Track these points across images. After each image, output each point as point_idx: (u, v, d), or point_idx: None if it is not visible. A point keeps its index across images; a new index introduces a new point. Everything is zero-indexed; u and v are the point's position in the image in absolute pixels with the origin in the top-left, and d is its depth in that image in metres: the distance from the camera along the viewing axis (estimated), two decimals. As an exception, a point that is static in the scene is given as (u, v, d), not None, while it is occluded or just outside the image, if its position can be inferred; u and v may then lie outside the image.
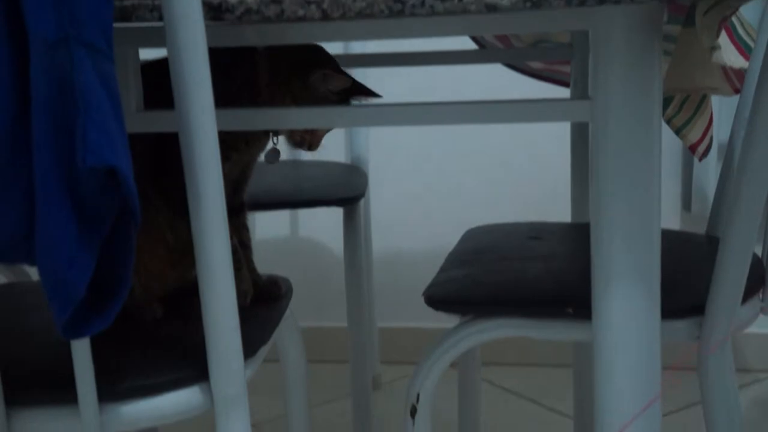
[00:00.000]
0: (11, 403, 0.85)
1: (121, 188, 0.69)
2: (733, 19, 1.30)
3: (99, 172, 0.67)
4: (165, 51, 0.78)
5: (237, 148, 1.07)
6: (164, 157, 0.98)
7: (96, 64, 0.66)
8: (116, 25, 0.72)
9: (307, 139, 1.12)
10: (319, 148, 1.15)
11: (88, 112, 0.66)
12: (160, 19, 0.77)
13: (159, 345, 0.97)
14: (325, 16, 0.80)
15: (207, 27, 0.77)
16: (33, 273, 1.02)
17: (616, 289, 0.90)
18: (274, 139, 1.12)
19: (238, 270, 1.07)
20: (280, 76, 1.06)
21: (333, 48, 1.46)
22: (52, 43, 0.65)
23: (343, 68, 1.11)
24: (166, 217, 1.03)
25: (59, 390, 0.85)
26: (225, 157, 1.02)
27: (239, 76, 1.05)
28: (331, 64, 1.10)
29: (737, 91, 1.36)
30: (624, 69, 0.86)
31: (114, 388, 0.87)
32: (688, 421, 1.94)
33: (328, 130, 1.14)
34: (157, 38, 0.79)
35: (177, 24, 0.76)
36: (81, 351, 0.81)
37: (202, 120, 0.79)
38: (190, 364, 0.90)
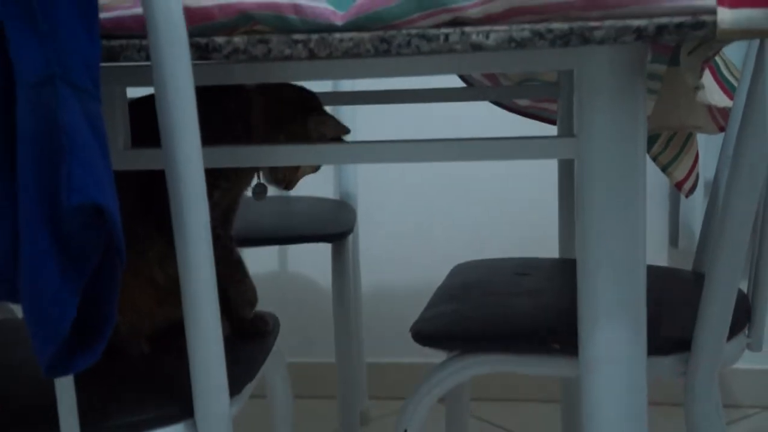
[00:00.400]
0: (-6, 440, 0.85)
1: (106, 226, 0.69)
2: (717, 59, 1.32)
3: (84, 210, 0.67)
4: (153, 90, 0.79)
5: (227, 176, 1.08)
6: (156, 192, 0.99)
7: (82, 104, 0.67)
8: (104, 64, 0.73)
9: (287, 178, 1.14)
10: (295, 187, 1.17)
11: (74, 151, 0.66)
12: (148, 58, 0.78)
13: (144, 382, 0.96)
14: (312, 56, 0.81)
15: (194, 66, 0.78)
16: (18, 310, 1.02)
17: (602, 325, 0.91)
18: (258, 174, 1.14)
19: (242, 281, 1.09)
20: (276, 117, 1.08)
21: (322, 85, 1.47)
22: (38, 82, 0.66)
23: (332, 106, 1.13)
24: (156, 254, 1.03)
25: (43, 427, 0.85)
26: (215, 185, 1.04)
27: (232, 115, 1.07)
28: (324, 111, 1.12)
29: (722, 129, 1.37)
30: (608, 107, 0.87)
31: (98, 425, 0.86)
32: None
33: (307, 172, 1.16)
34: (145, 77, 0.80)
35: (164, 64, 0.76)
36: (65, 388, 0.81)
37: (188, 158, 0.79)
38: (175, 402, 0.89)
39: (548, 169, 1.64)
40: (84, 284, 0.71)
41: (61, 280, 0.68)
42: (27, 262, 0.68)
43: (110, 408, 0.89)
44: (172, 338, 0.98)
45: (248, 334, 1.11)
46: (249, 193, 1.17)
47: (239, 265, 1.10)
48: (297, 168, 1.15)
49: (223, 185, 1.08)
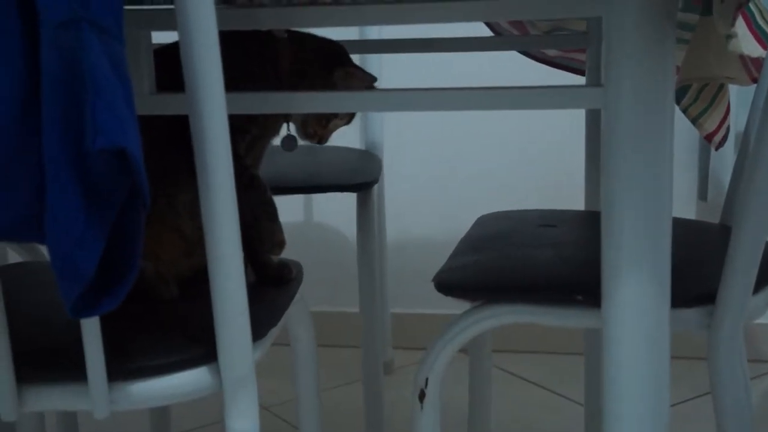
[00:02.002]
0: (22, 379, 0.86)
1: (130, 169, 0.69)
2: (752, 7, 1.29)
3: (109, 153, 0.68)
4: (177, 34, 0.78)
5: (257, 122, 1.08)
6: (187, 139, 1.00)
7: (106, 46, 0.67)
8: (128, 7, 0.73)
9: (318, 133, 1.14)
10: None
11: (98, 94, 0.66)
12: (172, 2, 0.77)
13: (169, 325, 0.97)
14: (337, 1, 0.80)
15: (218, 10, 0.77)
16: (46, 252, 1.04)
17: (625, 277, 0.90)
18: (287, 126, 1.14)
19: (274, 221, 1.10)
20: (304, 69, 1.08)
21: (349, 33, 1.46)
22: (62, 25, 0.66)
23: (358, 54, 1.12)
24: (186, 201, 1.04)
25: (69, 368, 0.86)
26: (246, 130, 1.04)
27: (261, 60, 1.07)
28: (352, 63, 1.12)
29: (755, 80, 1.35)
30: (637, 56, 0.85)
31: (123, 366, 0.88)
32: (697, 412, 1.93)
33: (338, 126, 1.16)
34: (170, 21, 0.79)
35: (188, 7, 0.76)
36: (91, 330, 0.82)
37: (212, 103, 0.79)
38: (199, 345, 0.90)
39: (575, 120, 1.63)
40: (109, 227, 0.71)
41: (86, 222, 0.69)
42: (52, 203, 0.69)
43: (135, 350, 0.90)
44: (198, 283, 0.99)
45: (272, 280, 1.11)
46: (278, 142, 1.18)
47: (272, 205, 1.10)
48: (326, 123, 1.14)
49: (253, 131, 1.08)
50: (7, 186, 0.71)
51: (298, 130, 1.16)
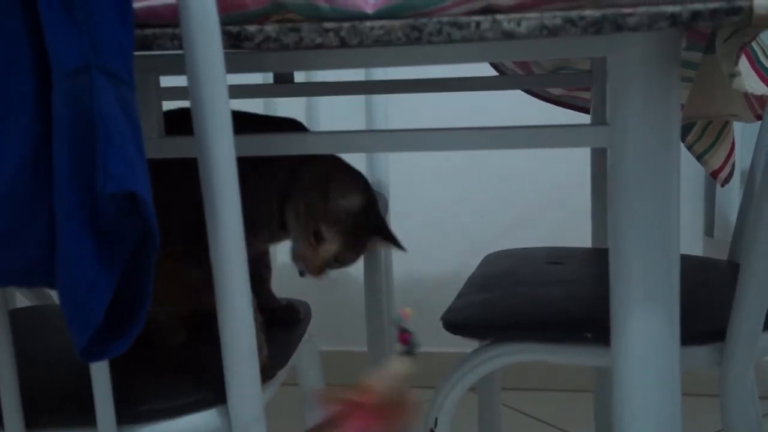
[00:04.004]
0: (31, 425, 0.86)
1: (140, 213, 0.69)
2: (755, 45, 1.30)
3: (119, 197, 0.68)
4: (186, 78, 0.79)
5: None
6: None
7: (117, 92, 0.68)
8: (137, 53, 0.73)
9: (308, 256, 1.07)
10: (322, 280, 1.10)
11: (109, 139, 0.67)
12: (181, 47, 0.78)
13: (178, 368, 0.97)
14: (343, 44, 0.81)
15: (226, 54, 0.78)
16: (55, 296, 1.04)
17: (634, 314, 0.90)
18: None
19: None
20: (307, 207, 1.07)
21: (354, 74, 1.47)
22: (74, 71, 0.67)
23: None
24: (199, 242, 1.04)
25: (79, 412, 0.86)
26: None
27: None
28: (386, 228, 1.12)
29: (759, 117, 1.35)
30: (642, 95, 0.86)
31: (133, 410, 0.87)
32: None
33: (330, 254, 1.10)
34: (178, 66, 0.80)
35: (197, 52, 0.77)
36: (100, 374, 0.82)
37: (220, 146, 0.79)
38: (208, 388, 0.90)
39: (581, 158, 1.63)
40: (120, 271, 0.71)
41: (97, 266, 0.69)
42: (63, 248, 0.69)
43: (144, 394, 0.90)
44: (206, 326, 0.99)
45: (280, 321, 1.11)
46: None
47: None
48: (316, 240, 1.08)
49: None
50: (18, 232, 0.71)
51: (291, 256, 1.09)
